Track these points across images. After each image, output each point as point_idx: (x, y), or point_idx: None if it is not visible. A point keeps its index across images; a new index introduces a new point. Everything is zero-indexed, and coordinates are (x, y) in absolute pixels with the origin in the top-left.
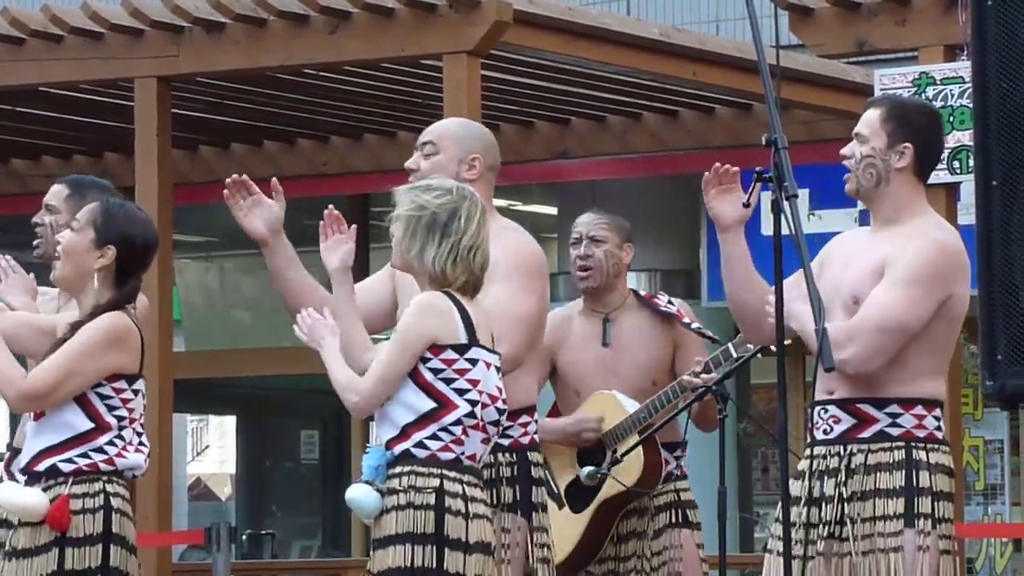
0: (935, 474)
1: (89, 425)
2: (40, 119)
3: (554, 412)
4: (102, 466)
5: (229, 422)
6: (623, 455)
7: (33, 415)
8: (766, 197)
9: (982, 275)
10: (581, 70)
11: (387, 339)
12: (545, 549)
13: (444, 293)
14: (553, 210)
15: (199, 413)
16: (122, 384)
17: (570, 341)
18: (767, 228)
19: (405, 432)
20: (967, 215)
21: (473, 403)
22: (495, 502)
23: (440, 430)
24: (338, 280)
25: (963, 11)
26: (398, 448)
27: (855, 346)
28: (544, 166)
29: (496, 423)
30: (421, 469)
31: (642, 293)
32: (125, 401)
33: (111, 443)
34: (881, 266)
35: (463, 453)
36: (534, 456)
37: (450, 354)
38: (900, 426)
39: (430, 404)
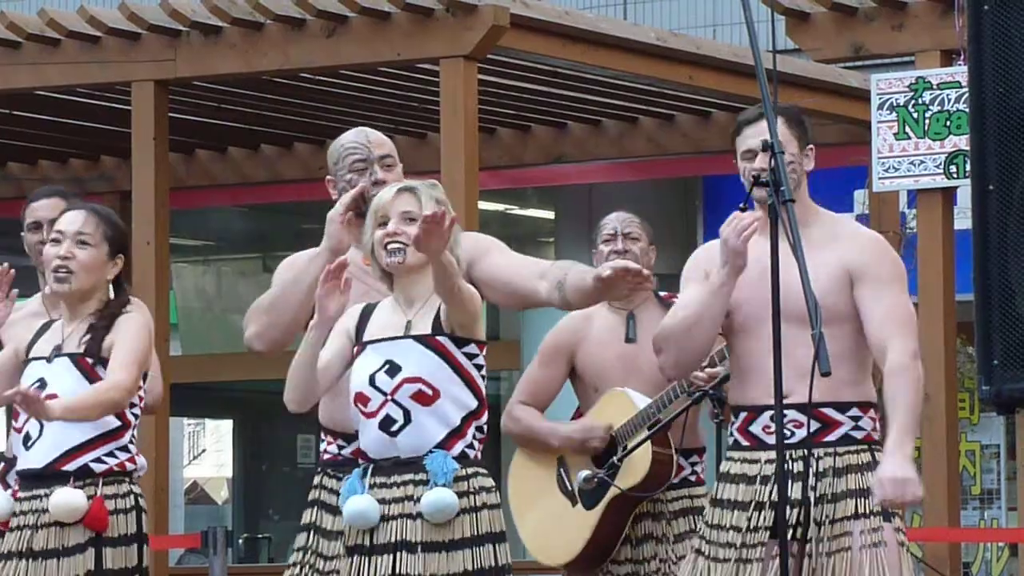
0: None
1: (117, 423)
2: (37, 123)
3: (577, 415)
4: (127, 465)
5: (226, 426)
6: (622, 457)
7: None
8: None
9: (978, 280)
10: (578, 74)
11: None
12: None
13: None
14: (550, 214)
15: (196, 417)
16: (141, 381)
17: (591, 339)
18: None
19: (460, 431)
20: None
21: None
22: None
23: (477, 429)
24: (323, 326)
25: (959, 16)
26: (456, 448)
27: (919, 359)
28: (541, 170)
29: None
30: (481, 469)
31: (662, 294)
32: (140, 399)
33: (131, 441)
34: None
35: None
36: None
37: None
38: (862, 428)
39: (475, 402)
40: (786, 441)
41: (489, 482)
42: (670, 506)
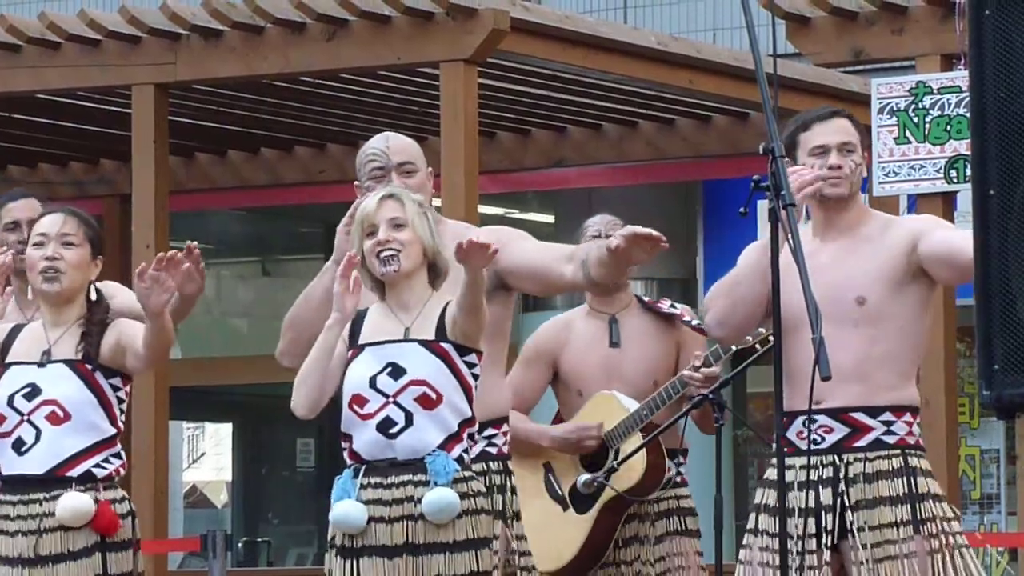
0: (929, 479)
1: (112, 430)
2: (37, 126)
3: (557, 420)
4: (121, 471)
5: (225, 429)
6: (621, 462)
7: (53, 419)
8: (763, 206)
9: (979, 284)
10: (578, 78)
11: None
12: (527, 557)
13: None
14: (550, 218)
15: (195, 420)
16: (128, 388)
17: (573, 343)
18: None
19: (458, 436)
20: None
21: None
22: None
23: (469, 436)
24: (340, 325)
25: (960, 20)
26: (454, 452)
27: None
28: (541, 174)
29: None
30: (476, 474)
31: (645, 299)
32: (127, 405)
33: (122, 448)
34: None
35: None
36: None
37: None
38: (894, 433)
39: (469, 411)
40: (816, 447)
41: (483, 487)
42: (655, 507)
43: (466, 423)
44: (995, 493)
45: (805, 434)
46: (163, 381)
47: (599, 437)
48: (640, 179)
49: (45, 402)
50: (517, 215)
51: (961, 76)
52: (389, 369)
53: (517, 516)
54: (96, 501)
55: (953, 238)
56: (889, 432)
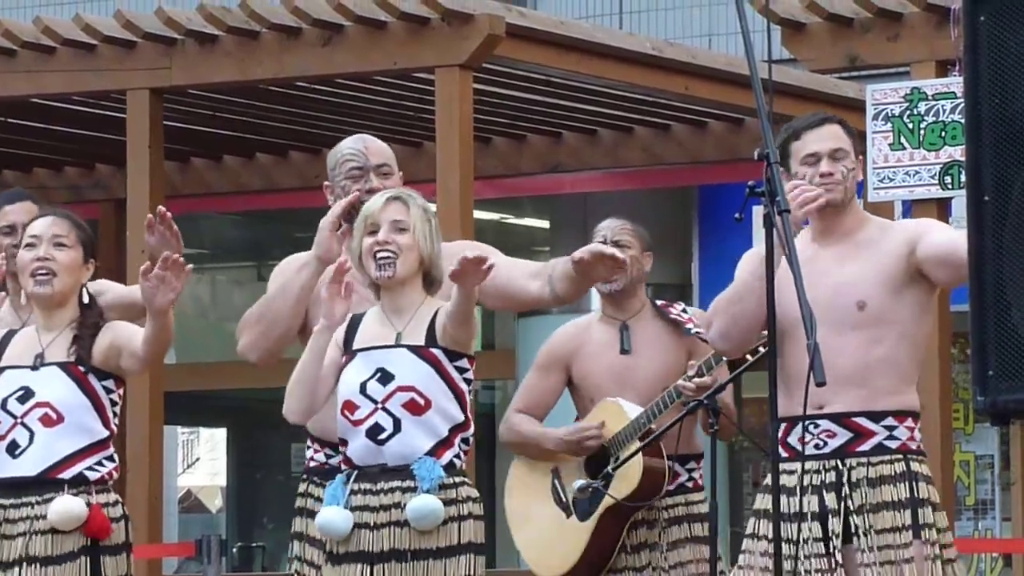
0: (929, 485)
1: (105, 432)
2: (32, 131)
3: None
4: (114, 474)
5: (220, 434)
6: (615, 468)
7: (46, 421)
8: (758, 211)
9: (973, 290)
10: (573, 84)
11: None
12: None
13: None
14: (545, 223)
15: (190, 425)
16: (122, 391)
17: (586, 349)
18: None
19: (448, 441)
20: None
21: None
22: None
23: (463, 440)
24: (330, 331)
25: (955, 27)
26: (444, 458)
27: None
28: (536, 180)
29: None
30: (467, 480)
31: (659, 302)
32: (121, 409)
33: (116, 452)
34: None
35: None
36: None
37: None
38: (896, 438)
39: (461, 416)
40: (819, 451)
41: (475, 492)
42: (665, 513)
43: (458, 428)
44: (989, 499)
45: (808, 439)
46: (158, 386)
47: (599, 437)
48: (636, 184)
49: (38, 404)
50: (512, 220)
51: (956, 82)
52: (378, 375)
53: None
54: (88, 505)
55: (951, 237)
56: (891, 437)
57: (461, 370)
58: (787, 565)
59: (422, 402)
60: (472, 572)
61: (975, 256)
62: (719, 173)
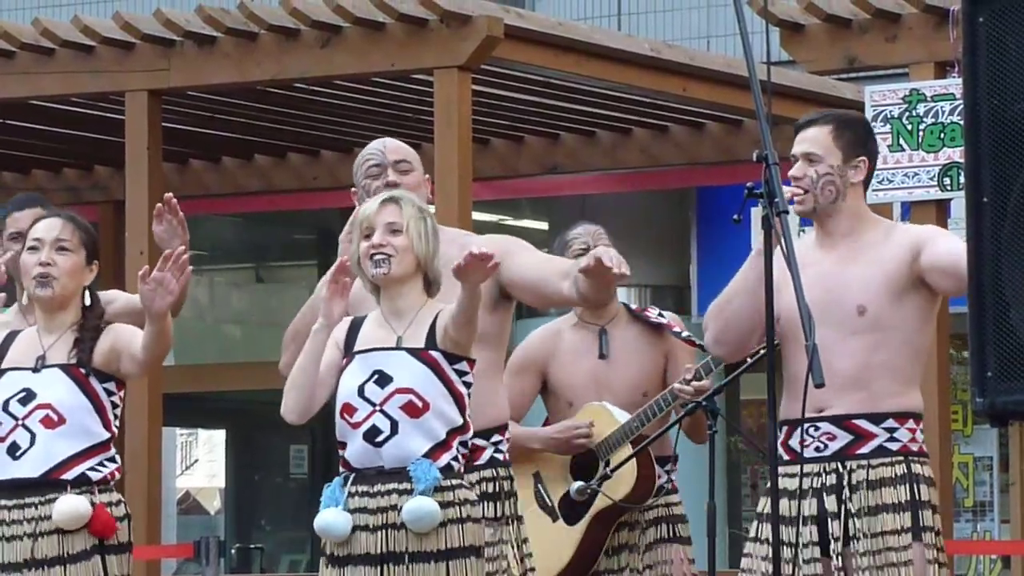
0: (931, 487)
1: (106, 434)
2: (30, 132)
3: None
4: (116, 474)
5: (218, 436)
6: (614, 469)
7: (47, 423)
8: (756, 213)
9: (972, 292)
10: (571, 85)
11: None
12: (531, 559)
13: None
14: (543, 225)
15: (188, 427)
16: (123, 393)
17: (561, 354)
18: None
19: (445, 444)
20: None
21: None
22: (496, 515)
23: (461, 443)
24: (327, 327)
25: (954, 28)
26: (441, 460)
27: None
28: (534, 181)
29: None
30: (464, 483)
31: (632, 307)
32: (121, 411)
33: (117, 452)
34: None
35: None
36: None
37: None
38: (897, 440)
39: (460, 419)
40: (820, 454)
41: (472, 495)
42: (646, 515)
43: (456, 431)
44: (988, 500)
45: (808, 442)
46: (156, 387)
47: (589, 436)
48: (634, 186)
49: (39, 406)
50: (511, 222)
51: (955, 83)
52: (376, 377)
53: (520, 519)
54: (92, 504)
55: (954, 248)
56: (892, 439)
57: (460, 373)
58: (787, 569)
59: (420, 404)
60: (473, 575)
61: (974, 257)
62: (717, 175)
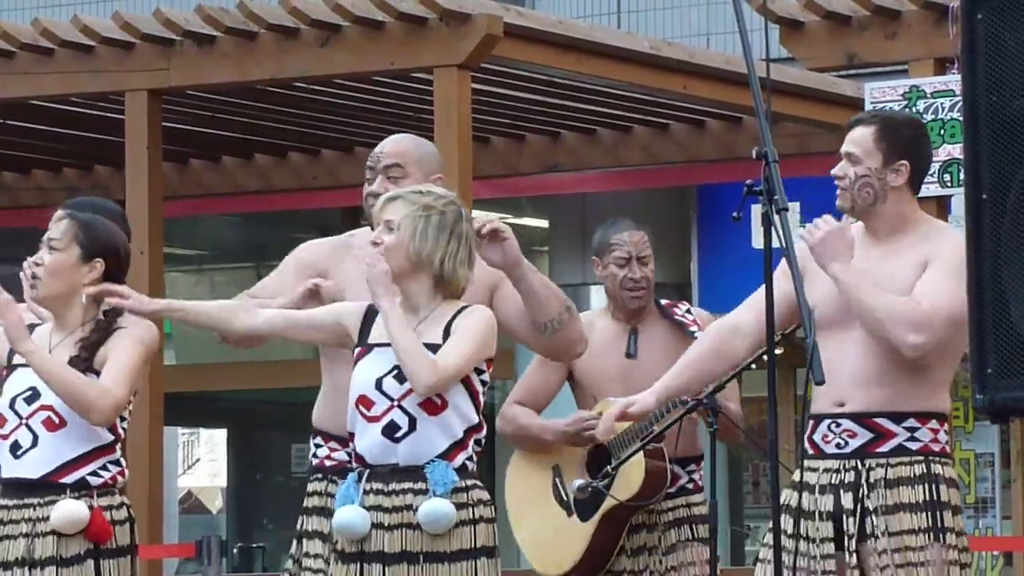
0: (951, 488)
1: (110, 437)
2: (30, 132)
3: None
4: (119, 478)
5: (220, 435)
6: (615, 468)
7: (49, 425)
8: (756, 210)
9: (972, 289)
10: (572, 83)
11: None
12: None
13: None
14: (544, 223)
15: (190, 426)
16: (133, 396)
17: (590, 347)
18: (757, 241)
19: (462, 443)
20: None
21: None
22: None
23: (476, 442)
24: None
25: (953, 24)
26: (457, 460)
27: (929, 334)
28: (535, 179)
29: None
30: (478, 483)
31: (663, 302)
32: (130, 413)
33: (122, 454)
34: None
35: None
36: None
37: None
38: (918, 440)
39: (476, 418)
40: (840, 451)
41: (486, 495)
42: (664, 516)
43: (473, 430)
44: (990, 497)
45: (830, 438)
46: (158, 387)
47: (597, 426)
48: (634, 184)
49: (42, 407)
50: (511, 220)
51: (954, 80)
52: (395, 372)
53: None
54: (90, 508)
55: (926, 288)
56: (913, 439)
57: (478, 371)
58: (801, 563)
59: (439, 402)
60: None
61: (973, 254)
62: (717, 172)
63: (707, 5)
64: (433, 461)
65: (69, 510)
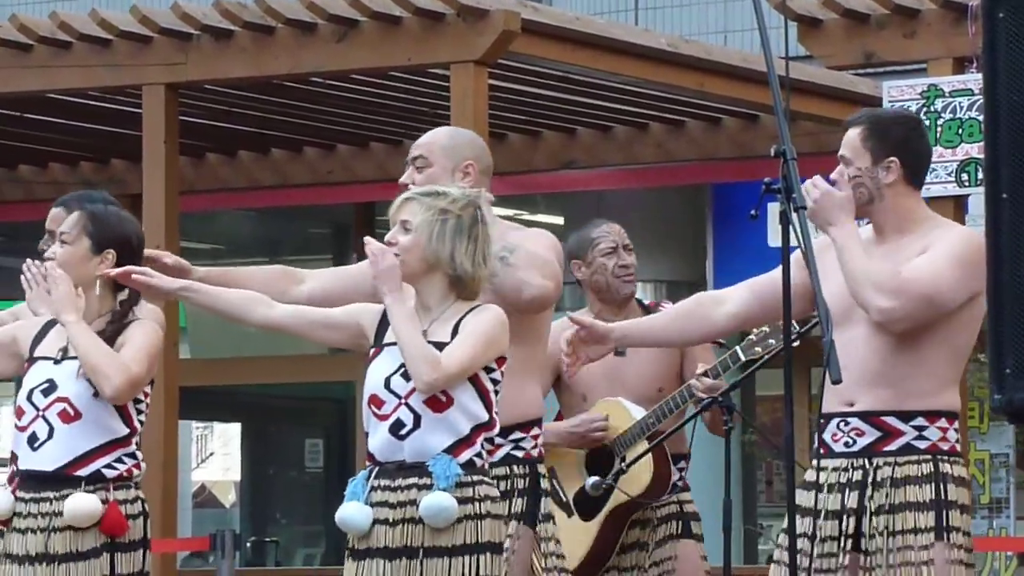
0: (959, 487)
1: (126, 430)
2: (47, 126)
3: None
4: (134, 471)
5: (234, 429)
6: (629, 465)
7: (64, 417)
8: (773, 209)
9: (990, 288)
10: (588, 80)
11: None
12: (556, 558)
13: None
14: (559, 220)
15: (204, 420)
16: (148, 388)
17: None
18: (774, 240)
19: (469, 440)
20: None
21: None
22: (508, 512)
23: (487, 440)
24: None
25: (972, 23)
26: (463, 456)
27: (899, 301)
28: (550, 176)
29: None
30: (487, 479)
31: (647, 302)
32: (148, 406)
33: (137, 447)
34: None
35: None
36: (542, 468)
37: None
38: (926, 439)
39: (486, 415)
40: (848, 449)
41: (494, 492)
42: (658, 512)
43: (481, 427)
44: (1004, 497)
45: (839, 436)
46: (172, 381)
47: (605, 428)
48: (650, 181)
49: (58, 399)
50: (526, 217)
51: (973, 79)
52: (402, 370)
53: (546, 518)
54: (104, 502)
55: (917, 264)
56: (921, 437)
57: (488, 369)
58: (805, 562)
59: (443, 399)
60: (490, 572)
61: (993, 254)
62: (734, 170)
63: (725, 2)
64: (437, 456)
65: (81, 503)
